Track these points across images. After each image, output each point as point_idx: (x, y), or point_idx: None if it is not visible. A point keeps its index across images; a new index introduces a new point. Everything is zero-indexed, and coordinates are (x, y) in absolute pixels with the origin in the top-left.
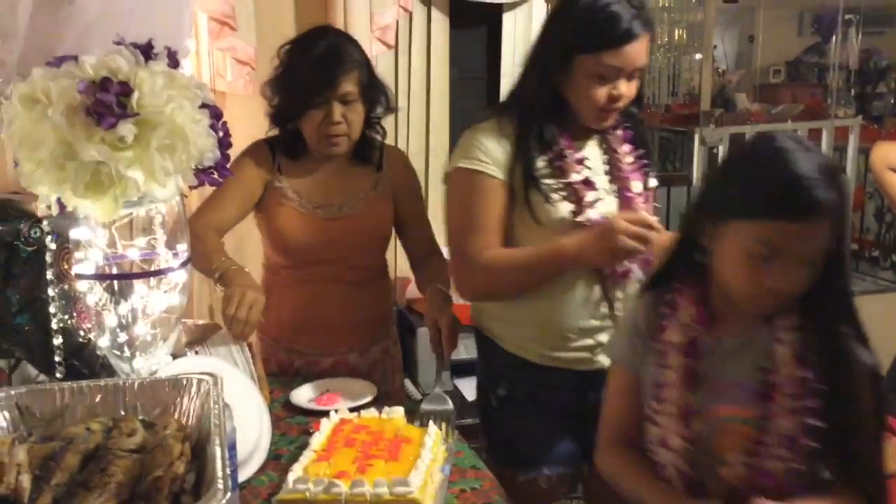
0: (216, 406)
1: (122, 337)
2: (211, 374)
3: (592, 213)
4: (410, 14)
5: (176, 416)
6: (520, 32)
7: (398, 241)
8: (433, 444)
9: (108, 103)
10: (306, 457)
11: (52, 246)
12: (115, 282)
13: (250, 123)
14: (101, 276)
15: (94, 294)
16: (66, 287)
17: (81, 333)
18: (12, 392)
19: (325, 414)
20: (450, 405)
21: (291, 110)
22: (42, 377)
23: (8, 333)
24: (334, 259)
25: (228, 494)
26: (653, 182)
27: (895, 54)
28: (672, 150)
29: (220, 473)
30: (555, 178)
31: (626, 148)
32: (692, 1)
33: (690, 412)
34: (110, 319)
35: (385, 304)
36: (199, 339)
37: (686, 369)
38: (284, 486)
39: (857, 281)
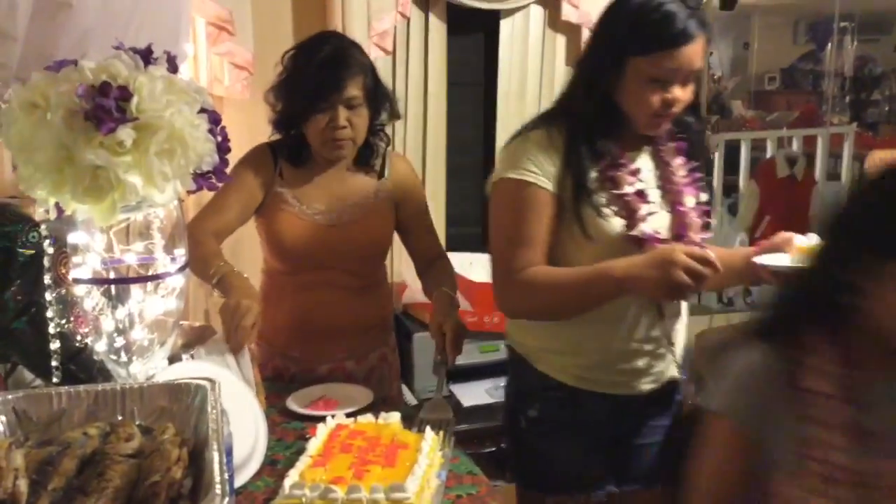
0: (214, 411)
1: (119, 341)
2: (208, 379)
3: (646, 227)
4: (408, 20)
5: (173, 421)
6: (517, 39)
7: (394, 247)
8: (430, 449)
9: (107, 108)
10: (302, 462)
11: (50, 250)
12: (113, 286)
13: (248, 128)
14: (98, 281)
15: (91, 298)
16: (64, 291)
17: (78, 338)
18: (9, 396)
19: (322, 419)
20: (450, 413)
21: (296, 115)
22: (38, 382)
23: (5, 338)
24: (333, 266)
25: (226, 499)
26: (705, 196)
27: (890, 62)
28: None
29: (217, 478)
30: (607, 191)
31: (679, 160)
32: None
33: (856, 471)
34: (107, 324)
35: (383, 312)
36: (195, 341)
37: (850, 421)
38: (281, 492)
39: None
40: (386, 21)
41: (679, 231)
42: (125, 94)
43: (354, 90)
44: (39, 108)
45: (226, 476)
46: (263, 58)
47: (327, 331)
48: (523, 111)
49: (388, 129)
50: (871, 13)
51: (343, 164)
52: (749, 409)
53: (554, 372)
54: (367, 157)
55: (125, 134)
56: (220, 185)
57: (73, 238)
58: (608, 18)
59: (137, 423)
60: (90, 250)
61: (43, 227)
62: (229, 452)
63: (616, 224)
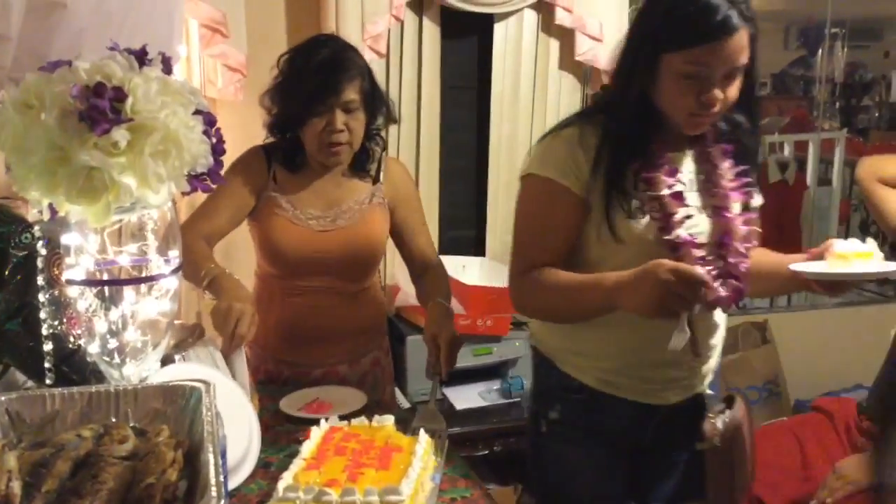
0: (209, 413)
1: (113, 343)
2: (203, 381)
3: (682, 232)
4: (402, 23)
5: (167, 423)
6: (511, 43)
7: (388, 249)
8: (423, 452)
9: (101, 108)
10: (296, 465)
11: (43, 251)
12: (106, 288)
13: (241, 131)
14: (91, 282)
15: (84, 300)
16: (57, 293)
17: (71, 339)
18: (2, 398)
19: (315, 422)
20: (442, 423)
21: (292, 119)
22: (31, 383)
23: None
24: (326, 271)
25: (222, 502)
26: (758, 200)
27: (880, 68)
28: None
29: (213, 481)
30: (641, 192)
31: (727, 163)
32: None
33: None
34: (101, 325)
35: (377, 316)
36: (185, 340)
37: None
38: (274, 495)
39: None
40: (380, 24)
41: (722, 238)
42: (120, 94)
43: (352, 94)
44: (33, 109)
45: (221, 478)
46: (257, 60)
47: (320, 335)
48: (517, 115)
49: (382, 133)
50: (861, 20)
51: (338, 169)
52: None
53: (576, 373)
54: (363, 161)
55: (120, 135)
56: (214, 186)
57: (66, 239)
58: (645, 11)
59: (131, 424)
60: (83, 252)
61: (36, 228)
62: (223, 455)
63: (649, 227)
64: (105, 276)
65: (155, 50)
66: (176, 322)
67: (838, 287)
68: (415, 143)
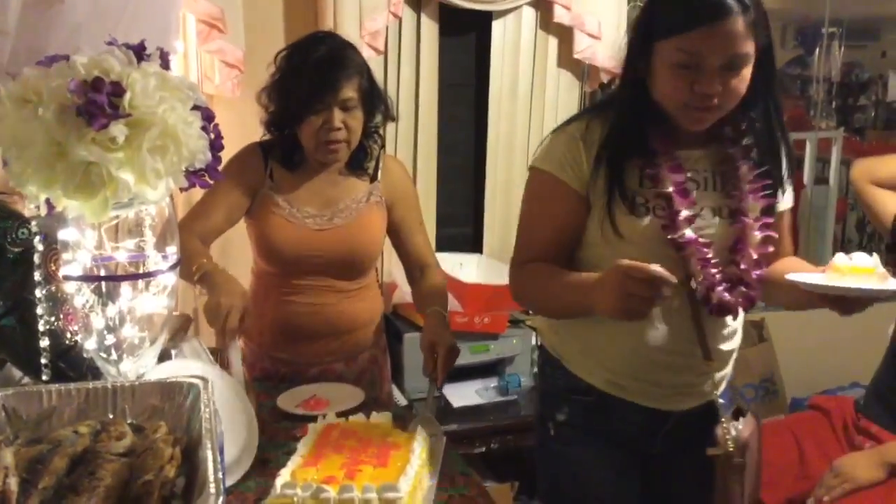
0: (207, 409)
1: (110, 339)
2: (201, 378)
3: (687, 231)
4: (400, 20)
5: (165, 419)
6: (509, 40)
7: (385, 247)
8: (421, 449)
9: (99, 103)
10: (294, 462)
11: (40, 247)
12: (103, 284)
13: (238, 127)
14: (88, 278)
15: (81, 296)
16: (54, 288)
17: (68, 335)
18: None
19: (313, 419)
20: (439, 430)
21: (290, 116)
22: (27, 380)
23: None
24: (323, 269)
25: (221, 498)
26: (786, 203)
27: (877, 67)
28: None
29: (211, 477)
30: (645, 188)
31: (747, 164)
32: None
33: None
34: (98, 321)
35: (373, 313)
36: (177, 332)
37: None
38: (272, 491)
39: None
40: (378, 21)
41: (736, 243)
42: (118, 89)
43: (350, 91)
44: (31, 104)
45: (220, 475)
46: (254, 56)
47: (317, 333)
48: (515, 113)
49: (380, 131)
50: (858, 19)
51: (335, 167)
52: None
53: (584, 374)
54: (361, 159)
55: (118, 130)
56: (212, 182)
57: (63, 235)
58: (645, 3)
59: (129, 421)
60: (81, 247)
61: (33, 223)
62: (221, 452)
63: (653, 224)
64: (102, 272)
65: (152, 45)
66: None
67: (843, 304)
68: (413, 141)
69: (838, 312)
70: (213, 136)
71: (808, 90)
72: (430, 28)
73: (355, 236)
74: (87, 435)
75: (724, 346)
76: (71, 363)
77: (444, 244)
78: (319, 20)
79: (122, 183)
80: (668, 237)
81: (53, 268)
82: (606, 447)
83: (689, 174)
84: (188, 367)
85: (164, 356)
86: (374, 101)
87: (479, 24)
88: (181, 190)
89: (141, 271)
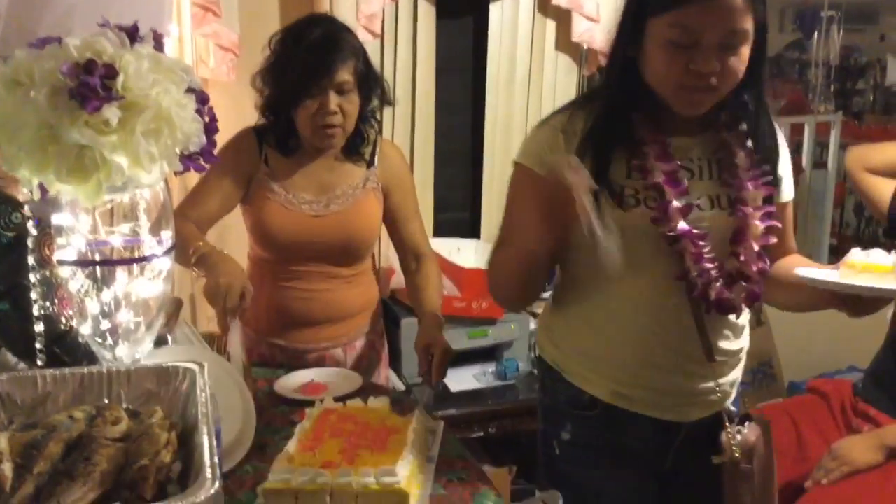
0: (203, 394)
1: (105, 324)
2: (197, 363)
3: (681, 223)
4: (397, 3)
5: (161, 404)
6: (506, 23)
7: (382, 232)
8: (420, 433)
9: (92, 86)
10: (291, 446)
11: (34, 231)
12: (98, 268)
13: (234, 111)
14: (83, 263)
15: (76, 281)
16: (48, 273)
17: (63, 320)
18: None
19: (311, 404)
20: (438, 427)
21: (284, 100)
22: (21, 365)
23: None
24: (319, 256)
25: (217, 483)
26: (788, 194)
27: (875, 51)
28: None
29: (208, 462)
30: (634, 179)
31: (745, 151)
32: None
33: None
34: (93, 306)
35: (371, 299)
36: (171, 316)
37: None
38: (270, 476)
39: None
40: (374, 4)
41: (736, 235)
42: (111, 72)
43: (345, 75)
44: (23, 86)
45: (216, 460)
46: (249, 40)
47: (313, 319)
48: (512, 97)
49: (377, 115)
50: (857, 3)
51: (331, 152)
52: None
53: (587, 385)
54: (357, 144)
55: (111, 113)
56: (207, 166)
57: (57, 219)
58: None
59: (124, 406)
60: (75, 232)
61: (26, 207)
62: (218, 436)
63: (644, 216)
64: (97, 257)
65: (145, 28)
66: None
67: (856, 305)
68: (410, 126)
69: (849, 314)
70: (207, 119)
71: (806, 74)
72: (427, 11)
73: (352, 222)
74: (82, 420)
75: (729, 345)
76: (66, 348)
77: (442, 229)
78: (315, 3)
79: (116, 166)
80: (665, 232)
81: (48, 252)
82: (616, 468)
83: (680, 162)
84: (185, 351)
85: (160, 341)
86: (371, 85)
87: (477, 7)
88: (176, 174)
89: (136, 256)
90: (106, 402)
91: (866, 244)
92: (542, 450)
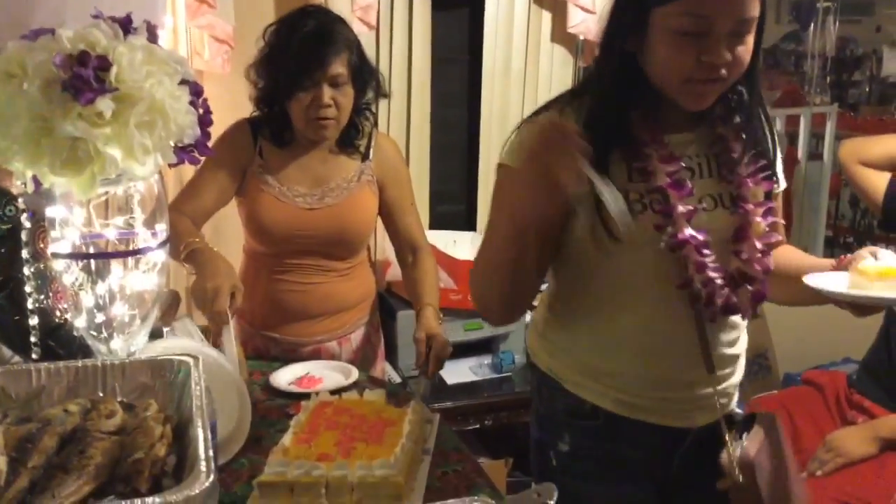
0: (197, 387)
1: (100, 317)
2: (191, 356)
3: (687, 231)
4: None
5: (156, 397)
6: (502, 14)
7: (378, 224)
8: (415, 425)
9: (85, 78)
10: (287, 439)
11: (28, 224)
12: (93, 261)
13: (229, 103)
14: (77, 256)
15: (70, 274)
16: (42, 266)
17: (58, 314)
18: None
19: (306, 396)
20: (434, 419)
21: (278, 93)
22: (16, 358)
23: None
24: (314, 249)
25: (212, 476)
26: (780, 185)
27: (871, 43)
28: None
29: (202, 455)
30: (633, 182)
31: (741, 145)
32: None
33: None
34: (87, 299)
35: (366, 292)
36: (167, 309)
37: None
38: (265, 469)
39: None
40: None
41: (738, 234)
42: (104, 63)
43: (339, 67)
44: (16, 78)
45: (210, 453)
46: (244, 31)
47: (308, 312)
48: (508, 88)
49: (372, 107)
50: None
51: (326, 145)
52: None
53: (587, 394)
54: (352, 137)
55: (104, 105)
56: (201, 158)
57: (51, 212)
58: None
59: (119, 399)
60: (69, 224)
61: (20, 200)
62: (213, 429)
63: (649, 222)
64: (91, 250)
65: (139, 20)
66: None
67: (865, 309)
68: (405, 118)
69: (854, 314)
70: (201, 111)
71: (802, 65)
72: (422, 2)
73: (346, 215)
74: (76, 413)
75: (731, 351)
76: (61, 341)
77: (438, 221)
78: None
79: (110, 159)
80: (671, 239)
81: (42, 245)
82: (618, 480)
83: (686, 162)
84: (180, 344)
85: (156, 334)
86: (365, 78)
87: None
88: (170, 166)
89: (131, 248)
90: (101, 395)
91: (861, 235)
92: (536, 459)
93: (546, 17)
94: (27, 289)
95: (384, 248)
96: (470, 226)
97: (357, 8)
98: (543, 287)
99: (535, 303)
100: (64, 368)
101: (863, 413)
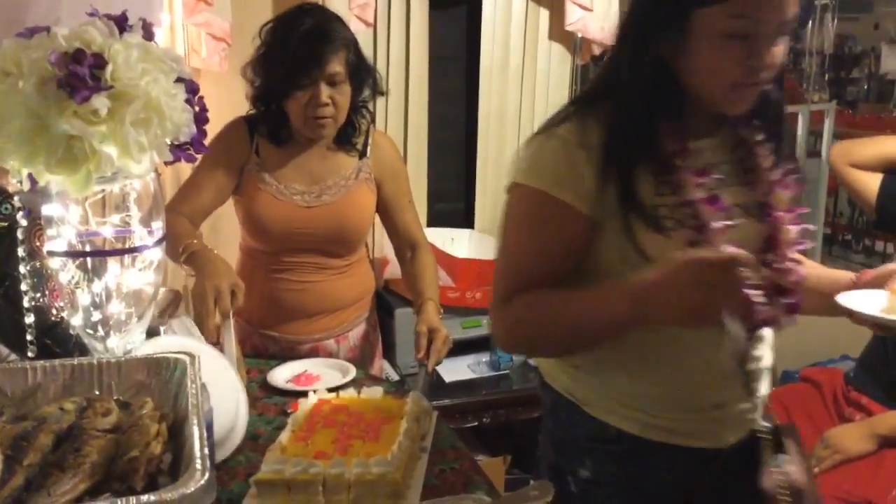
0: (193, 385)
1: (96, 315)
2: (187, 353)
3: (728, 248)
4: None
5: (152, 395)
6: (499, 12)
7: (376, 222)
8: (413, 421)
9: (81, 76)
10: (284, 437)
11: (24, 222)
12: (89, 259)
13: (226, 102)
14: (73, 254)
15: (66, 272)
16: (38, 264)
17: (54, 312)
18: None
19: (304, 394)
20: (431, 412)
21: (275, 91)
22: (13, 356)
23: None
24: (312, 247)
25: (207, 475)
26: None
27: (870, 40)
28: None
29: (198, 454)
30: (665, 196)
31: (766, 149)
32: None
33: None
34: (83, 298)
35: (364, 290)
36: (166, 308)
37: None
38: (263, 467)
39: (830, 265)
40: None
41: (769, 243)
42: (100, 61)
43: (336, 66)
44: (11, 76)
45: (206, 451)
46: (241, 29)
47: (306, 310)
48: (506, 86)
49: (369, 105)
50: None
51: (323, 143)
52: None
53: (612, 419)
54: (350, 135)
55: (100, 102)
56: (198, 156)
57: (47, 210)
58: None
59: (115, 397)
60: (65, 223)
61: (16, 198)
62: (210, 427)
63: (681, 239)
64: (88, 248)
65: (135, 17)
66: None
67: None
68: (403, 116)
69: (877, 333)
70: (197, 108)
71: (800, 63)
72: (420, 0)
73: (344, 213)
74: (72, 411)
75: (761, 366)
76: (57, 339)
77: (436, 219)
78: None
79: (105, 157)
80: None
81: (38, 243)
82: (644, 500)
83: (712, 172)
84: (176, 342)
85: (153, 333)
86: (362, 76)
87: None
88: (166, 164)
89: (127, 246)
90: (96, 393)
91: (860, 233)
92: (550, 478)
93: (544, 14)
94: (23, 287)
95: (382, 245)
96: (468, 223)
97: (354, 6)
98: None
99: None
100: (60, 366)
101: (860, 410)
